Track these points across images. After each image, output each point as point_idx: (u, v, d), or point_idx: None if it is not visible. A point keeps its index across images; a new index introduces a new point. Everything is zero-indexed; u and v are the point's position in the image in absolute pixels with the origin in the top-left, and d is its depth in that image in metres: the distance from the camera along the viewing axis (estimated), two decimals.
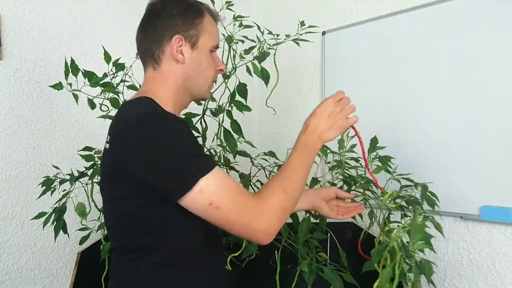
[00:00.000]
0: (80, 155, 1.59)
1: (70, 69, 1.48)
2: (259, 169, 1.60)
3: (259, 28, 1.58)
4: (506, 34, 1.64)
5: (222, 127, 1.55)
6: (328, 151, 1.58)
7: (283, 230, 1.50)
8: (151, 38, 1.18)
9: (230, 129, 1.54)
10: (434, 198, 1.37)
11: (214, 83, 1.28)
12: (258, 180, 1.61)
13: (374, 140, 1.48)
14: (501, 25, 1.65)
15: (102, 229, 1.60)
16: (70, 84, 1.49)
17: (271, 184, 1.08)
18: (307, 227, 1.46)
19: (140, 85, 1.59)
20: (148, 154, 0.99)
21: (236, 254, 1.52)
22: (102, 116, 1.59)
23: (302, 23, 1.58)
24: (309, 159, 1.14)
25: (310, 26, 1.56)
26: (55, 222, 1.55)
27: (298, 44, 1.57)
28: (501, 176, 1.65)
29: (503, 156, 1.65)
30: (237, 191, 1.02)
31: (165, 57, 1.18)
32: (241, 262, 1.61)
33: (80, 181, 1.61)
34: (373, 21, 2.06)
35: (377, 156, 1.47)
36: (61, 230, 1.56)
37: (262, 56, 1.52)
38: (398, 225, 1.28)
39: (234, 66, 1.55)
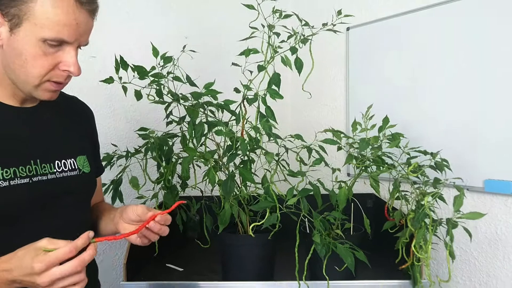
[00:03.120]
0: (138, 134, 1.73)
1: (120, 65, 1.59)
2: (285, 151, 1.69)
3: (298, 17, 1.67)
4: None
5: (259, 113, 1.67)
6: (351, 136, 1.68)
7: (303, 206, 1.54)
8: None
9: (265, 114, 1.65)
10: (445, 163, 1.55)
11: (58, 85, 0.99)
12: (283, 160, 1.68)
13: (385, 120, 1.63)
14: None
15: (156, 198, 1.75)
16: (120, 78, 1.59)
17: None
18: (344, 195, 1.56)
19: (187, 76, 1.71)
20: None
21: (259, 224, 1.56)
22: (154, 101, 1.69)
23: (339, 12, 1.68)
24: None
25: (346, 16, 1.68)
26: (111, 191, 1.71)
27: (335, 31, 1.67)
28: (504, 152, 1.80)
29: (505, 134, 1.79)
30: None
31: None
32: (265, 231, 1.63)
33: (135, 157, 1.74)
34: (394, 17, 2.22)
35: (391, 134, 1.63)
36: (117, 199, 1.71)
37: (294, 49, 1.65)
38: (430, 192, 1.48)
39: (272, 56, 1.67)
